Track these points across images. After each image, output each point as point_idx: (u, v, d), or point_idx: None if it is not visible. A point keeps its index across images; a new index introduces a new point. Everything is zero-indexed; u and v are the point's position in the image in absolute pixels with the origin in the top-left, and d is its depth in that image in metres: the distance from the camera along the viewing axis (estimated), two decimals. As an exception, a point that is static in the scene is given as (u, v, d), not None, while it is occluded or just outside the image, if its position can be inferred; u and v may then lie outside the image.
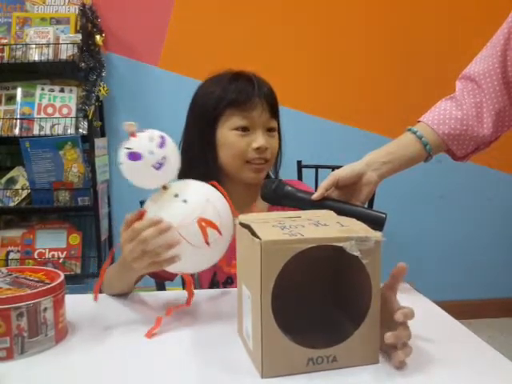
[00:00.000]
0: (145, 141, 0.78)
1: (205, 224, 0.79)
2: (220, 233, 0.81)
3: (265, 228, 0.70)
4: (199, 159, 1.10)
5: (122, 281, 0.97)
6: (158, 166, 0.78)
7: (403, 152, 1.01)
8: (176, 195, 0.81)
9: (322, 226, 0.73)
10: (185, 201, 0.81)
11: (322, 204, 0.94)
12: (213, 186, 0.87)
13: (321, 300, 0.81)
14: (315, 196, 0.94)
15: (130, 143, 0.78)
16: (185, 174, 0.89)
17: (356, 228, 0.73)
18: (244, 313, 0.76)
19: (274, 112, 1.13)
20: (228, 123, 1.09)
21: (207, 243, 0.80)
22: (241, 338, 0.79)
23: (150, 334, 0.81)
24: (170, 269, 0.84)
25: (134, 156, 0.77)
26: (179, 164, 0.82)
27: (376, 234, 0.70)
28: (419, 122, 1.05)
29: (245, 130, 1.08)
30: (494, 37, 1.04)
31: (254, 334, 0.70)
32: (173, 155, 0.81)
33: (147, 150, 0.77)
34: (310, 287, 0.80)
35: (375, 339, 0.71)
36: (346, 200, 0.97)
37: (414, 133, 1.02)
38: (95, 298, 0.89)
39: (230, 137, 1.09)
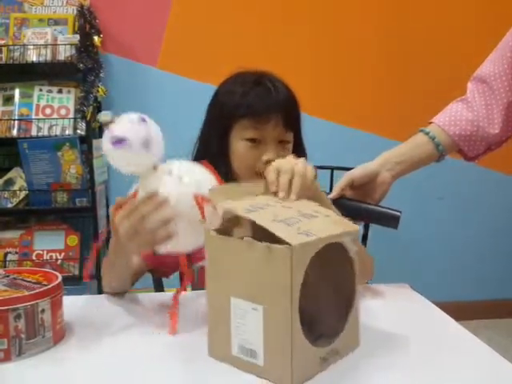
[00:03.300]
0: (125, 123, 0.76)
1: (201, 200, 0.77)
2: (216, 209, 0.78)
3: (273, 225, 0.64)
4: (216, 159, 1.03)
5: (120, 268, 0.95)
6: (145, 145, 0.76)
7: (416, 152, 1.04)
8: (170, 173, 0.80)
9: (314, 219, 0.71)
10: (180, 177, 0.79)
11: (339, 203, 0.95)
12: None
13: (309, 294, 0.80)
14: (332, 196, 0.95)
15: (110, 130, 0.76)
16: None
17: (342, 220, 0.74)
18: (243, 328, 0.68)
19: (292, 124, 1.10)
20: (240, 132, 1.07)
21: (204, 219, 0.77)
22: (225, 359, 0.71)
23: (173, 330, 0.81)
24: (163, 248, 0.81)
25: (119, 142, 0.75)
26: (163, 142, 0.79)
27: (354, 227, 0.72)
28: (431, 123, 1.07)
29: (255, 141, 1.06)
30: (504, 38, 1.06)
31: (272, 348, 0.65)
32: (157, 132, 0.78)
33: (131, 132, 0.75)
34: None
35: (358, 323, 0.74)
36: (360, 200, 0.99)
37: (427, 133, 1.04)
38: (86, 278, 0.84)
39: (240, 147, 1.08)
